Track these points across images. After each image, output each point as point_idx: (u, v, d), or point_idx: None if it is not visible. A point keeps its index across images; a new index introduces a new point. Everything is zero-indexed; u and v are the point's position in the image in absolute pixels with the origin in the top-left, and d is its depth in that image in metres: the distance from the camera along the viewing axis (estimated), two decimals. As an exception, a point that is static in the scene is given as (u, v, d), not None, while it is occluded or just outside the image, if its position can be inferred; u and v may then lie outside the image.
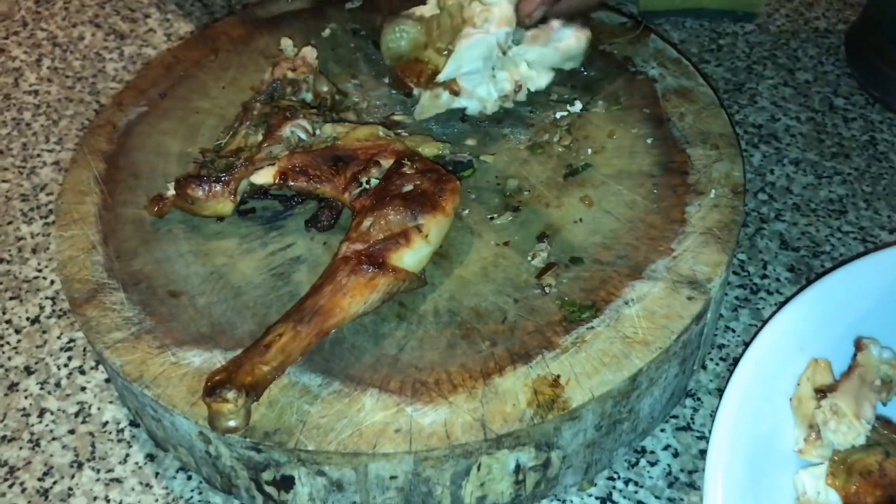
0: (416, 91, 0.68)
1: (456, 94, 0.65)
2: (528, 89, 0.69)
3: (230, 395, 0.46)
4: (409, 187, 0.57)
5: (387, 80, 0.71)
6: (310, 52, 0.68)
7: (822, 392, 0.53)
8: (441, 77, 0.65)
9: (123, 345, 0.55)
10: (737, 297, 0.68)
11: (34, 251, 0.74)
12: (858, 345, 0.56)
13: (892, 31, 0.81)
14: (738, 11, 0.92)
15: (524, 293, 0.56)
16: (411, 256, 0.55)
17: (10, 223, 0.77)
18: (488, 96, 0.66)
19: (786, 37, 0.91)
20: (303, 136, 0.62)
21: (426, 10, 0.69)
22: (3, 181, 0.81)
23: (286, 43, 0.70)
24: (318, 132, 0.63)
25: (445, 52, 0.66)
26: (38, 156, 0.83)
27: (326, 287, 0.52)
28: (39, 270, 0.73)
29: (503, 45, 0.66)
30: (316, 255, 0.60)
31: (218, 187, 0.59)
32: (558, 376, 0.51)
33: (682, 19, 0.93)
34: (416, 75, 0.66)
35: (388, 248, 0.54)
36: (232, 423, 0.46)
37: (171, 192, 0.60)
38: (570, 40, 0.69)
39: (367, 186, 0.59)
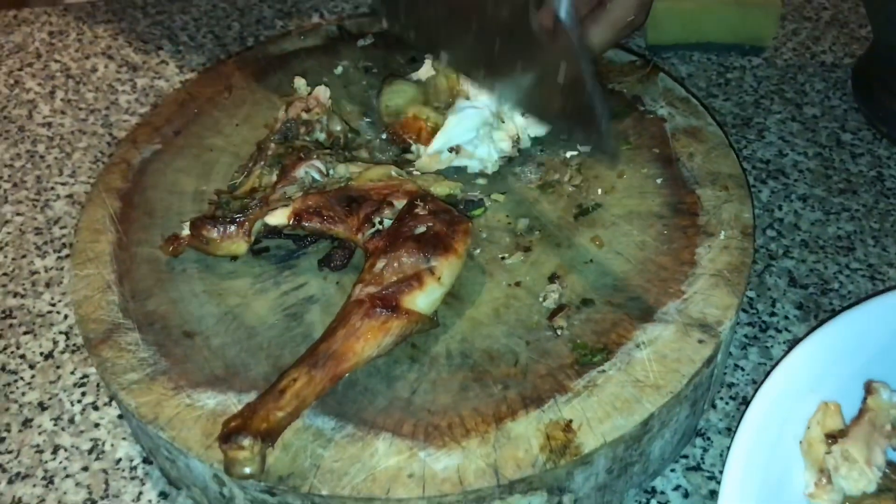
0: (414, 147, 0.68)
1: (456, 153, 0.66)
2: (529, 136, 0.70)
3: (246, 442, 0.46)
4: (421, 229, 0.58)
5: (384, 136, 0.71)
6: (323, 92, 0.69)
7: (832, 437, 0.53)
8: (430, 150, 0.66)
9: (139, 386, 0.55)
10: (746, 336, 0.68)
11: (48, 285, 0.75)
12: (869, 388, 0.56)
13: (898, 67, 0.82)
14: (746, 45, 0.93)
15: (536, 335, 0.57)
16: (424, 299, 0.55)
17: (24, 257, 0.78)
18: (489, 157, 0.67)
19: (793, 71, 0.92)
20: (317, 176, 0.63)
21: (423, 73, 0.70)
22: (18, 214, 0.81)
23: (300, 83, 0.71)
24: (331, 172, 0.63)
25: (444, 110, 0.67)
26: (52, 188, 0.84)
27: (340, 331, 0.53)
28: (53, 305, 0.74)
29: (498, 112, 0.66)
30: (329, 295, 0.60)
31: (233, 228, 0.60)
32: (570, 421, 0.52)
33: (690, 53, 0.94)
34: (415, 132, 0.67)
35: (401, 290, 0.55)
36: (248, 470, 0.47)
37: (186, 232, 0.61)
38: None
39: (381, 227, 0.59)
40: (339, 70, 0.78)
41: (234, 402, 0.54)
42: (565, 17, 0.51)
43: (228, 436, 0.47)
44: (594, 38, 0.65)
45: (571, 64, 0.52)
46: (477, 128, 0.65)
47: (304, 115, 0.67)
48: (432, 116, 0.67)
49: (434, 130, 0.66)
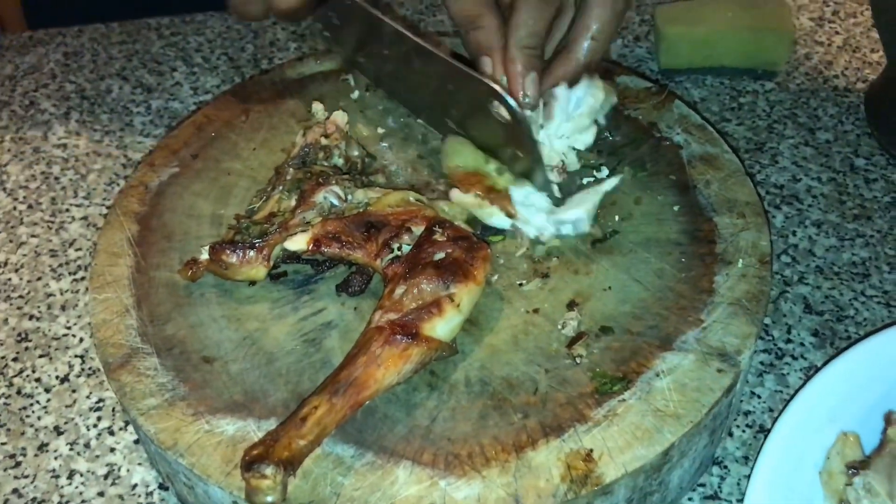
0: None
1: (510, 216, 0.65)
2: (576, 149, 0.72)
3: (268, 470, 0.46)
4: (440, 255, 0.58)
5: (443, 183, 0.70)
6: (341, 117, 0.69)
7: (853, 468, 0.53)
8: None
9: (157, 412, 0.55)
10: (762, 363, 0.68)
11: (63, 308, 0.75)
12: (889, 420, 0.56)
13: (912, 93, 0.82)
14: (758, 69, 0.93)
15: (555, 363, 0.57)
16: (444, 326, 0.55)
17: (39, 279, 0.78)
18: (543, 228, 0.66)
19: (806, 95, 0.92)
20: (335, 202, 0.63)
21: None
22: (33, 236, 0.82)
23: (317, 107, 0.71)
24: (349, 198, 0.63)
25: (504, 172, 0.67)
26: (67, 210, 0.84)
27: (360, 358, 0.53)
28: (69, 328, 0.74)
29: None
30: (347, 321, 0.60)
31: (252, 253, 0.60)
32: (591, 451, 0.52)
33: (703, 77, 0.94)
34: (472, 185, 0.66)
35: (421, 317, 0.55)
36: (270, 499, 0.47)
37: (205, 256, 0.61)
38: (587, 94, 0.69)
39: (399, 253, 0.60)
40: (355, 94, 0.78)
41: (253, 429, 0.54)
42: (517, 111, 0.62)
43: (250, 464, 0.47)
44: (593, 21, 0.67)
45: (524, 143, 0.64)
46: (544, 211, 0.66)
47: (323, 141, 0.67)
48: (493, 175, 0.67)
49: (491, 189, 0.66)
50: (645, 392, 0.55)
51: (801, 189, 0.82)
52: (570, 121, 0.68)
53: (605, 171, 0.69)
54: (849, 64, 0.96)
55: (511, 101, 0.62)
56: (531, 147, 0.65)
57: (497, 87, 0.62)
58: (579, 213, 0.64)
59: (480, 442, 0.53)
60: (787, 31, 0.91)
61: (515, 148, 0.65)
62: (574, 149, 0.70)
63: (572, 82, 0.68)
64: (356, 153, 0.68)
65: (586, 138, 0.70)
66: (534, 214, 0.65)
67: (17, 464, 0.64)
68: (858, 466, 0.53)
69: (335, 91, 0.78)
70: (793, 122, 0.89)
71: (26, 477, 0.64)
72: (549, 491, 0.50)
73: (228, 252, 0.60)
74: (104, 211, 0.83)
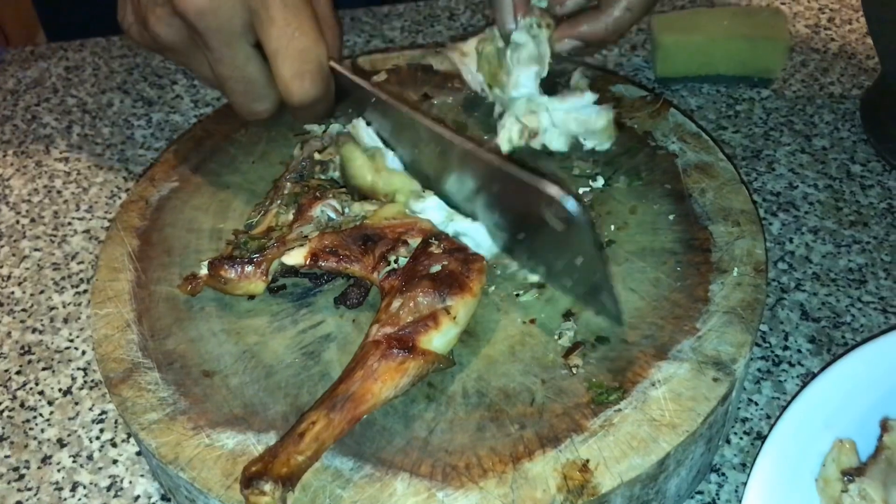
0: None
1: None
2: (544, 143, 0.71)
3: (267, 487, 0.47)
4: (436, 267, 0.59)
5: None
6: (337, 131, 0.70)
7: (849, 475, 0.54)
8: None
9: (158, 426, 0.56)
10: (759, 370, 0.69)
11: (66, 321, 0.76)
12: (885, 426, 0.56)
13: (907, 99, 0.82)
14: (754, 77, 0.94)
15: (551, 373, 0.57)
16: (440, 338, 0.56)
17: (42, 292, 0.78)
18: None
19: (802, 102, 0.92)
20: (332, 215, 0.63)
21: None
22: (35, 250, 0.82)
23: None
24: (346, 211, 0.64)
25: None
26: (69, 224, 0.85)
27: (358, 372, 0.53)
28: (71, 340, 0.74)
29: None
30: (345, 333, 0.61)
31: (250, 269, 0.61)
32: (587, 461, 0.52)
33: (699, 85, 0.95)
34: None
35: (418, 331, 0.55)
36: (269, 514, 0.47)
37: (204, 271, 0.62)
38: (592, 114, 0.70)
39: (396, 266, 0.60)
40: (352, 107, 0.78)
41: (252, 443, 0.54)
42: (576, 213, 0.54)
43: (250, 480, 0.47)
44: (585, 33, 0.68)
45: (586, 254, 0.57)
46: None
47: (318, 155, 0.67)
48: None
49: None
50: (641, 402, 0.55)
51: (798, 196, 0.82)
52: (567, 115, 0.69)
53: (600, 181, 0.70)
54: (844, 71, 0.96)
55: (571, 206, 0.54)
56: (593, 256, 0.57)
57: (553, 192, 0.55)
58: (478, 229, 0.64)
59: (478, 453, 0.53)
60: (782, 39, 0.91)
61: (573, 257, 0.59)
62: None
63: (589, 45, 0.67)
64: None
65: (557, 143, 0.70)
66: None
67: (21, 476, 0.65)
68: (854, 473, 0.54)
69: (333, 104, 0.79)
70: (789, 129, 0.89)
71: (30, 489, 0.64)
72: (546, 502, 0.50)
73: (227, 267, 0.61)
74: (106, 224, 0.84)
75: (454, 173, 0.64)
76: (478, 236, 0.64)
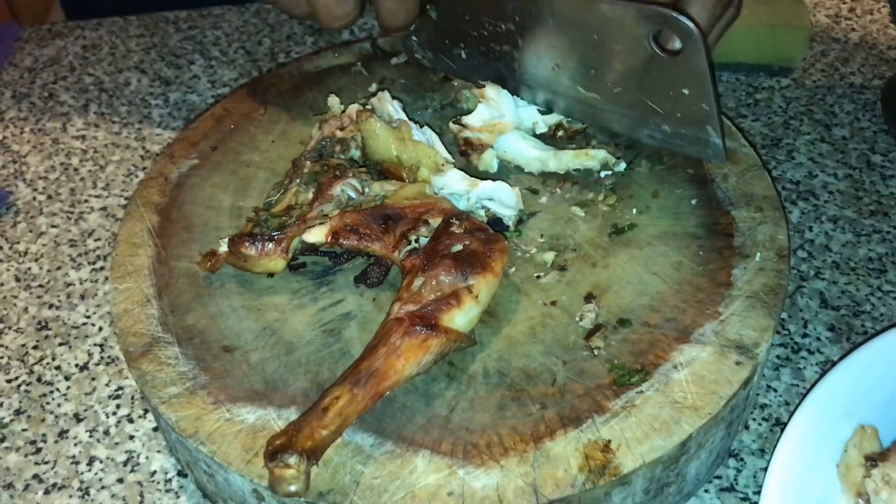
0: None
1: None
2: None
3: (292, 460, 0.47)
4: (458, 247, 0.58)
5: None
6: (356, 110, 0.69)
7: (871, 460, 0.53)
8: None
9: (178, 400, 0.56)
10: (778, 357, 0.69)
11: (83, 297, 0.76)
12: (906, 413, 0.56)
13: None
14: (775, 66, 0.93)
15: (573, 355, 0.57)
16: (462, 317, 0.56)
17: (59, 269, 0.78)
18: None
19: (822, 92, 0.92)
20: (352, 194, 0.63)
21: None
22: (53, 226, 0.82)
23: (333, 101, 0.72)
24: (366, 190, 0.64)
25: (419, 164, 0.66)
26: (86, 201, 0.85)
27: (381, 349, 0.53)
28: (88, 317, 0.74)
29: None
30: (366, 312, 0.61)
31: (270, 246, 0.60)
32: (609, 441, 0.52)
33: (719, 73, 0.94)
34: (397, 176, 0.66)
35: (440, 308, 0.55)
36: (293, 488, 0.47)
37: (224, 248, 0.62)
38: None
39: (417, 245, 0.60)
40: (372, 87, 0.78)
41: (273, 418, 0.54)
42: (693, 29, 0.55)
43: (274, 454, 0.47)
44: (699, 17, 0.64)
45: (698, 78, 0.57)
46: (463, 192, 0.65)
47: (339, 134, 0.67)
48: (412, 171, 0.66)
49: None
50: (663, 384, 0.55)
51: (818, 185, 0.82)
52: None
53: (622, 165, 0.69)
54: (865, 61, 0.95)
55: (686, 22, 0.54)
56: (704, 84, 0.58)
57: (665, 11, 0.56)
58: (501, 188, 0.65)
59: (499, 432, 0.53)
60: (804, 27, 0.91)
61: (683, 87, 0.59)
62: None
63: None
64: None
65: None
66: (455, 201, 0.64)
67: (38, 450, 0.65)
68: (877, 458, 0.53)
69: (353, 84, 0.79)
70: (809, 118, 0.89)
71: (46, 463, 0.64)
72: (568, 481, 0.50)
73: (247, 244, 0.60)
74: (123, 202, 0.84)
75: (545, 30, 0.63)
76: (503, 196, 0.65)
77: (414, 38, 0.75)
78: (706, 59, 0.57)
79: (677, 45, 0.58)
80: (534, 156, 0.68)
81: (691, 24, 0.55)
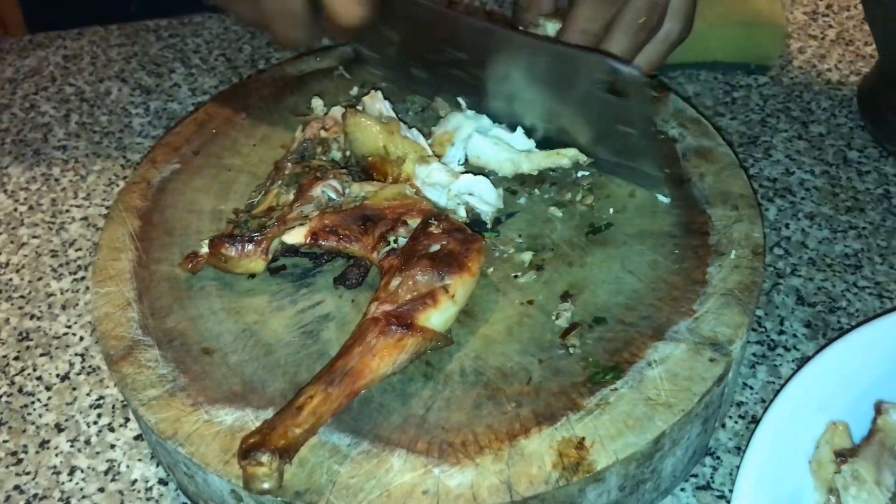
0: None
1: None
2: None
3: (264, 458, 0.47)
4: (435, 247, 0.59)
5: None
6: (339, 112, 0.70)
7: (842, 456, 0.54)
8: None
9: (158, 402, 0.56)
10: (754, 354, 0.69)
11: (64, 307, 0.76)
12: (879, 409, 0.57)
13: (904, 86, 0.83)
14: (752, 64, 0.94)
15: (549, 353, 0.58)
16: (438, 316, 0.56)
17: (40, 279, 0.79)
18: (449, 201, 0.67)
19: (799, 89, 0.93)
20: (333, 195, 0.64)
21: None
22: (34, 237, 0.83)
23: (316, 103, 0.72)
24: (347, 192, 0.64)
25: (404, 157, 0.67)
26: (67, 211, 0.85)
27: (356, 348, 0.54)
28: (69, 327, 0.74)
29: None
30: (344, 313, 0.61)
31: (250, 247, 0.61)
32: (583, 438, 0.52)
33: (697, 72, 0.95)
34: (381, 172, 0.67)
35: (416, 308, 0.56)
36: (266, 486, 0.47)
37: (205, 250, 0.62)
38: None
39: (395, 246, 0.60)
40: (354, 90, 0.79)
41: (251, 419, 0.55)
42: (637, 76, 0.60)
43: (247, 452, 0.48)
44: (650, 56, 0.67)
45: (638, 120, 0.63)
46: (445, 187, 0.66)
47: (322, 134, 0.68)
48: (396, 165, 0.67)
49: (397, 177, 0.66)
50: (637, 381, 0.55)
51: (795, 182, 0.83)
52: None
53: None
54: (842, 57, 0.96)
55: (628, 71, 0.59)
56: (645, 124, 0.63)
57: (614, 63, 0.60)
58: (481, 182, 0.66)
59: (474, 430, 0.53)
60: (779, 25, 0.91)
61: (627, 127, 0.63)
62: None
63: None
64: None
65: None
66: (437, 193, 0.65)
67: (19, 461, 0.65)
68: (847, 454, 0.54)
69: (334, 87, 0.79)
70: (786, 115, 0.90)
71: (28, 473, 0.64)
72: (542, 478, 0.51)
73: (227, 245, 0.61)
74: (104, 211, 0.84)
75: (501, 64, 0.66)
76: (483, 191, 0.66)
77: (365, 47, 0.77)
78: (646, 103, 0.64)
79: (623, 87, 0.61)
80: (505, 158, 0.69)
81: (636, 73, 0.60)
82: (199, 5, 1.07)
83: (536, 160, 0.69)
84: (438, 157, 0.68)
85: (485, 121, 0.70)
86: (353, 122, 0.66)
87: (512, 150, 0.69)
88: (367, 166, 0.67)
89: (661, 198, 0.67)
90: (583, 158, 0.69)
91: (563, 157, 0.69)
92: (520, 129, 0.69)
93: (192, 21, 1.07)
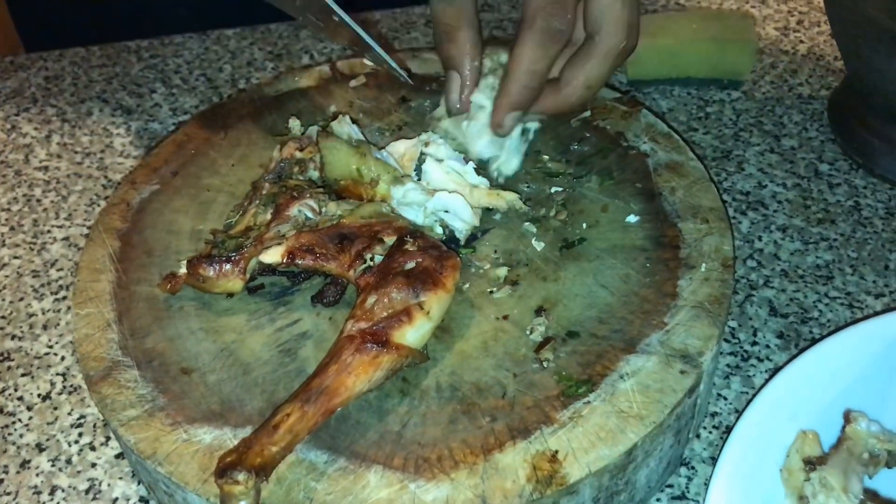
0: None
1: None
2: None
3: (241, 476, 0.48)
4: (411, 264, 0.60)
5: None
6: (316, 132, 0.71)
7: (811, 464, 0.55)
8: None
9: (137, 422, 0.57)
10: (728, 365, 0.70)
11: (45, 327, 0.76)
12: (847, 417, 0.58)
13: (872, 99, 0.84)
14: (724, 79, 0.96)
15: (523, 367, 0.58)
16: (413, 333, 0.57)
17: (21, 299, 0.79)
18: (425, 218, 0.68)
19: (771, 103, 0.94)
20: (310, 214, 0.65)
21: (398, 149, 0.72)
22: (15, 257, 0.83)
23: (294, 123, 0.73)
24: (324, 210, 0.65)
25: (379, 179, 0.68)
26: (49, 232, 0.85)
27: (332, 366, 0.54)
28: (50, 347, 0.75)
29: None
30: (322, 331, 0.62)
31: (228, 267, 0.62)
32: (556, 452, 0.53)
33: (670, 88, 0.96)
34: (353, 194, 0.68)
35: (391, 325, 0.56)
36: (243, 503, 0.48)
37: (183, 270, 0.63)
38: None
39: (371, 263, 0.61)
40: (332, 109, 0.80)
41: (229, 437, 0.55)
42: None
43: (224, 470, 0.48)
44: (592, 72, 0.67)
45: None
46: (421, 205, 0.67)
47: (298, 155, 0.69)
48: (370, 187, 0.67)
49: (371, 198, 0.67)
50: (609, 394, 0.56)
51: (767, 195, 0.84)
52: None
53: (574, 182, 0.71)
54: (813, 72, 0.98)
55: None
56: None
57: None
58: (456, 200, 0.67)
59: (449, 445, 0.54)
60: (750, 41, 0.93)
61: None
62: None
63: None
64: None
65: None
66: (413, 213, 0.66)
67: (0, 481, 0.65)
68: (816, 462, 0.55)
69: (312, 107, 0.80)
70: (758, 129, 0.91)
71: (8, 494, 0.65)
72: (516, 491, 0.52)
73: (205, 266, 0.62)
74: (85, 231, 0.85)
75: None
76: (457, 208, 0.66)
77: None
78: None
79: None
80: (452, 188, 0.68)
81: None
82: (179, 25, 1.08)
83: (477, 197, 0.69)
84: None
85: (445, 149, 0.70)
86: (325, 146, 0.67)
87: (461, 183, 0.68)
88: (339, 189, 0.68)
89: (630, 218, 0.68)
90: (520, 205, 0.69)
91: (502, 200, 0.69)
92: (471, 164, 0.69)
93: (172, 41, 1.08)
